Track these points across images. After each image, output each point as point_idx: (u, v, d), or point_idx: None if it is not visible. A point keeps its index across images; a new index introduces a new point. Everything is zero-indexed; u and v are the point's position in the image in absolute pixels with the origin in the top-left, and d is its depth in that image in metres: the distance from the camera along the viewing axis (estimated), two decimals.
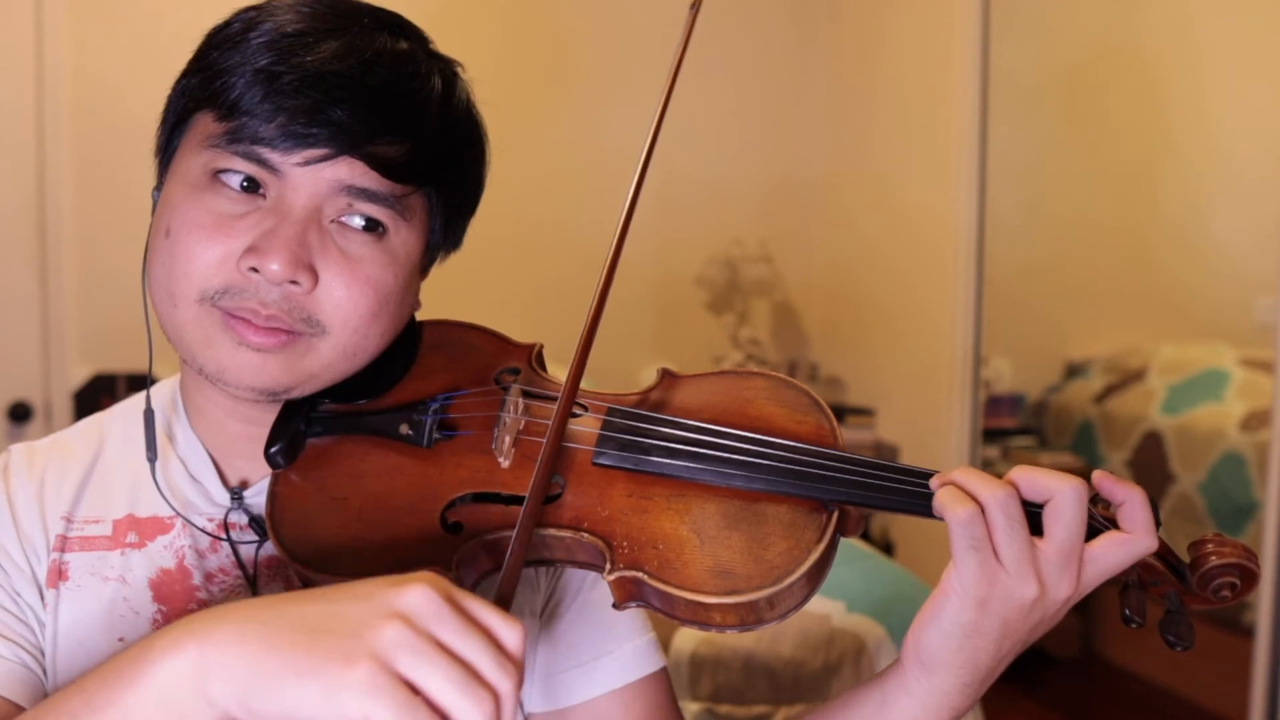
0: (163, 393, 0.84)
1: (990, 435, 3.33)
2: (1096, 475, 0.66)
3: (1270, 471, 2.22)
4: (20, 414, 2.72)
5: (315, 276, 0.70)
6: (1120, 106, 3.58)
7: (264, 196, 0.71)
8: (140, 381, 3.05)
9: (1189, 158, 3.68)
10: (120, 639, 0.74)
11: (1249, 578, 0.65)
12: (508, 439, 0.73)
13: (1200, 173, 3.65)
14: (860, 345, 3.50)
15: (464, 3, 3.19)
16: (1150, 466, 3.26)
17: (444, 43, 0.81)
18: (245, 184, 0.71)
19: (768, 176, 3.58)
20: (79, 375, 2.79)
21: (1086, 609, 3.44)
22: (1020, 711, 3.03)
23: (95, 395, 2.80)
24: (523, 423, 0.74)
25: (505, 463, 0.72)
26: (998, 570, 0.63)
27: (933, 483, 0.66)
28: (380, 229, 0.73)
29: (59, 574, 0.75)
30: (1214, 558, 0.65)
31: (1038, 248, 3.51)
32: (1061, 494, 0.63)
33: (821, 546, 0.66)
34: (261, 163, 0.70)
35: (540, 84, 3.29)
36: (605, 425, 0.73)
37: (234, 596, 0.75)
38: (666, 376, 0.79)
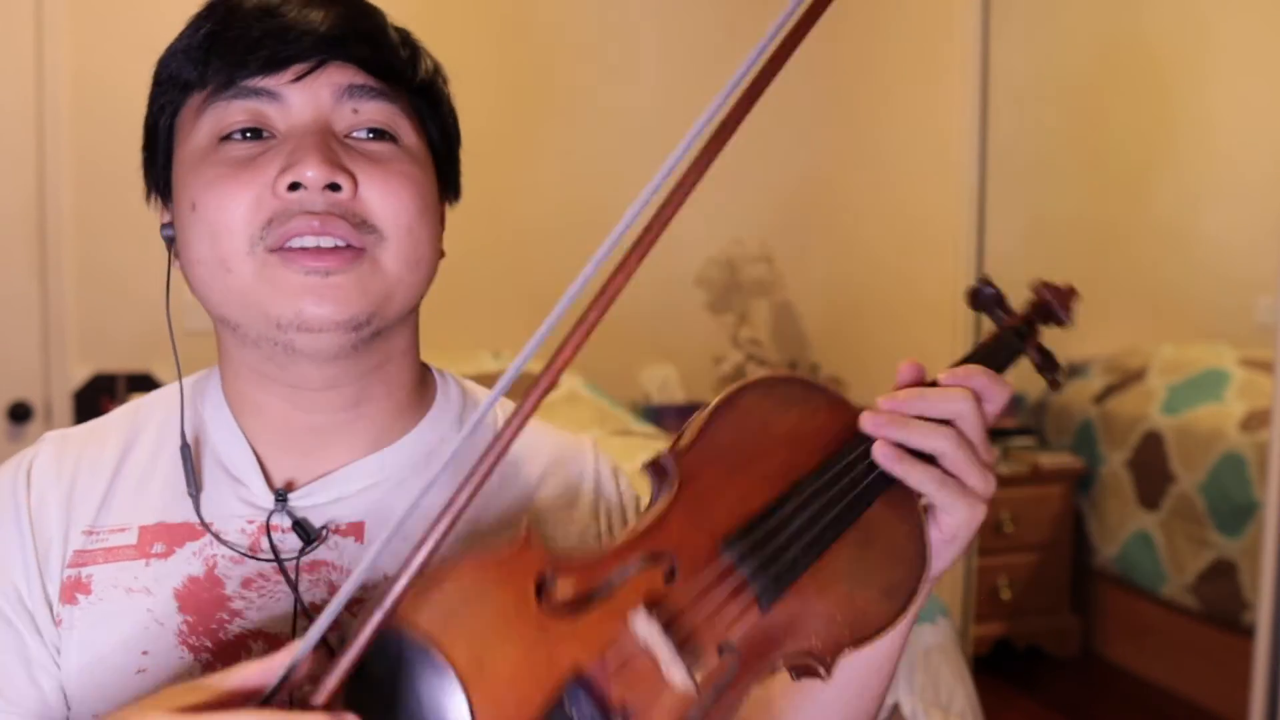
0: (209, 395, 0.79)
1: (990, 435, 3.32)
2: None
3: (1270, 471, 2.22)
4: (20, 414, 2.72)
5: (353, 179, 0.69)
6: (1121, 106, 3.58)
7: (274, 137, 0.71)
8: (141, 381, 3.02)
9: (1189, 158, 3.68)
10: (145, 652, 0.71)
11: (1060, 295, 0.82)
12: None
13: (1201, 173, 3.65)
14: (860, 345, 3.50)
15: (451, 9, 3.19)
16: (1150, 466, 3.26)
17: (434, 47, 0.81)
18: (249, 134, 0.71)
19: (768, 176, 3.58)
20: (79, 375, 2.79)
21: (1086, 609, 3.44)
22: (1020, 711, 3.03)
23: (95, 395, 2.80)
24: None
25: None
26: (978, 502, 0.70)
27: (871, 428, 0.71)
28: (390, 137, 0.73)
29: (78, 586, 0.72)
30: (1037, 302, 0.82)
31: (1037, 247, 3.50)
32: (964, 414, 0.72)
33: (925, 514, 0.71)
34: (258, 94, 0.70)
35: (532, 86, 3.29)
36: (740, 562, 0.63)
37: (274, 603, 0.72)
38: (671, 460, 0.66)
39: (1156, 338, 3.57)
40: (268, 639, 0.71)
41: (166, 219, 0.76)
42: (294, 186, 0.68)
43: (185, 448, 0.75)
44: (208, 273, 0.70)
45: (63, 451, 0.77)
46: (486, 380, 0.89)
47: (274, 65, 0.69)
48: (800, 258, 3.62)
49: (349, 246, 0.69)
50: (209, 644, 0.71)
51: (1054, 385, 0.84)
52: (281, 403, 0.75)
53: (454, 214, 0.84)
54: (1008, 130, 3.02)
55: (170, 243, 0.75)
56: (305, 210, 0.68)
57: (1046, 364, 0.82)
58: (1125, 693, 3.21)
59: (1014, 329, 0.80)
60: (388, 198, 0.70)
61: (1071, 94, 3.55)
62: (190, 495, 0.73)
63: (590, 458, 0.85)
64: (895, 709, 1.89)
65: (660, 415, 3.26)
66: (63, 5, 2.70)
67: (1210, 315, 3.53)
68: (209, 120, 0.71)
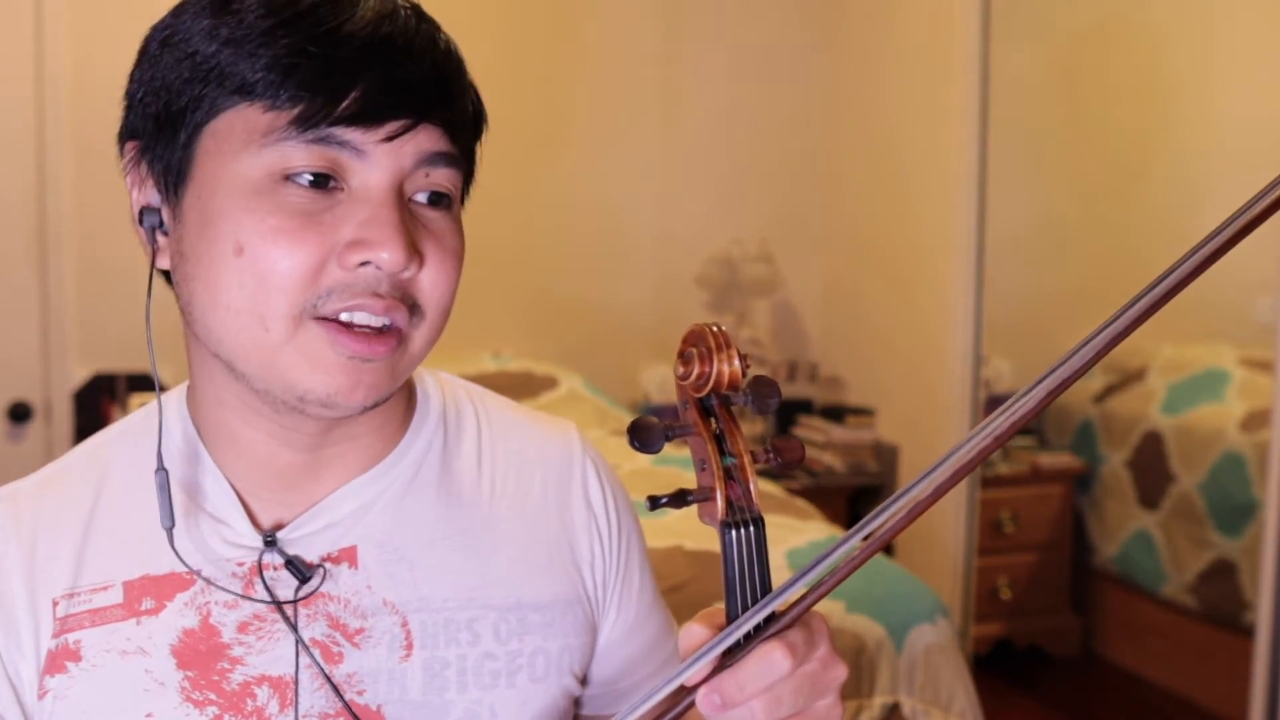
0: (172, 429, 0.74)
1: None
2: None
3: (1270, 471, 2.22)
4: (20, 414, 2.72)
5: (423, 261, 0.66)
6: (1121, 104, 3.58)
7: (340, 189, 0.64)
8: (141, 381, 3.01)
9: (1190, 156, 3.68)
10: (148, 715, 0.68)
11: (704, 343, 0.64)
12: None
13: (1201, 171, 3.65)
14: (860, 345, 3.50)
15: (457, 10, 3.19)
16: (1150, 466, 3.26)
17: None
18: (313, 180, 0.64)
19: (768, 176, 3.58)
20: (79, 375, 2.80)
21: (1086, 609, 3.44)
22: (1020, 711, 3.03)
23: (95, 395, 2.80)
24: None
25: None
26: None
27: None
28: (447, 201, 0.69)
29: (67, 654, 0.69)
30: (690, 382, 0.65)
31: (1038, 247, 3.51)
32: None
33: None
34: (342, 145, 0.63)
35: (534, 90, 3.29)
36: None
37: (273, 644, 0.70)
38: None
39: (1157, 337, 3.57)
40: (271, 682, 0.70)
41: (152, 201, 0.68)
42: (368, 262, 0.63)
43: (162, 471, 0.69)
44: (236, 322, 0.64)
45: (17, 515, 0.72)
46: (486, 380, 0.88)
47: (370, 119, 0.63)
48: (800, 257, 3.62)
49: (396, 329, 0.66)
50: (213, 696, 0.69)
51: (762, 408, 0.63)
52: (268, 439, 0.71)
53: None
54: (1008, 130, 3.02)
55: (152, 231, 0.68)
56: (373, 291, 0.64)
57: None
58: (1125, 693, 3.21)
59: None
60: (439, 280, 0.67)
61: (1071, 92, 3.55)
62: (165, 528, 0.68)
63: (578, 467, 0.84)
64: (895, 709, 1.89)
65: (660, 415, 3.27)
66: (63, 3, 2.70)
67: (1210, 315, 3.52)
68: (273, 155, 0.63)
